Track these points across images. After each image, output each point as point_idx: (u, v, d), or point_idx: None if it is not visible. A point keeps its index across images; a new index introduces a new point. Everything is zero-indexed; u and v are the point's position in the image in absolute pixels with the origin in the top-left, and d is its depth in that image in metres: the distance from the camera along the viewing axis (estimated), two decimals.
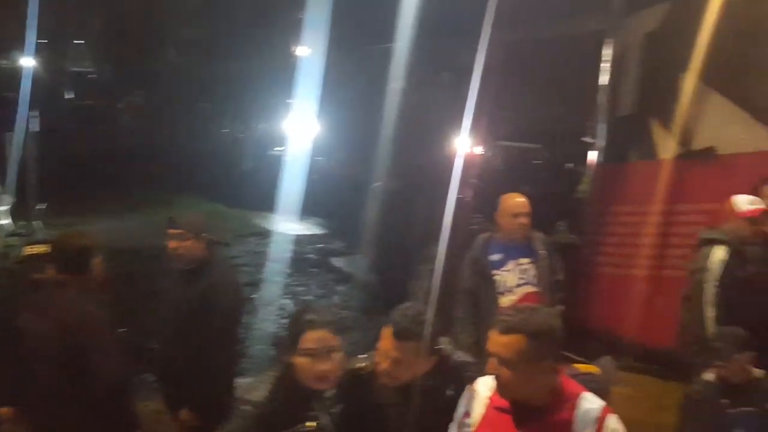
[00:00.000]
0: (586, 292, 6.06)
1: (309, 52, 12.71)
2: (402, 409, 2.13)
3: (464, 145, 9.15)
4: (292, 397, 2.10)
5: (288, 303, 6.89)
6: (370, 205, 5.33)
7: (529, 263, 3.88)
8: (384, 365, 2.12)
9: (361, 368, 2.22)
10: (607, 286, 5.93)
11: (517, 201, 3.88)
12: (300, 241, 9.52)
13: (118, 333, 3.07)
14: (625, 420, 4.68)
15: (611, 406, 2.77)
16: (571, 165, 10.32)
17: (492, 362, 1.90)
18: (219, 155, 13.86)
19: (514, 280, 3.85)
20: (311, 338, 2.07)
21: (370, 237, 5.21)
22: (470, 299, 3.89)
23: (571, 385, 1.98)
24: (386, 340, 2.14)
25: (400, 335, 2.11)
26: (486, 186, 9.31)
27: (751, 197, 3.88)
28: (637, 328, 5.30)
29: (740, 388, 3.17)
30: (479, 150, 10.98)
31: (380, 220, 5.20)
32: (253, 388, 2.29)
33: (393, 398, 2.16)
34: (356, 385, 2.15)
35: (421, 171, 8.49)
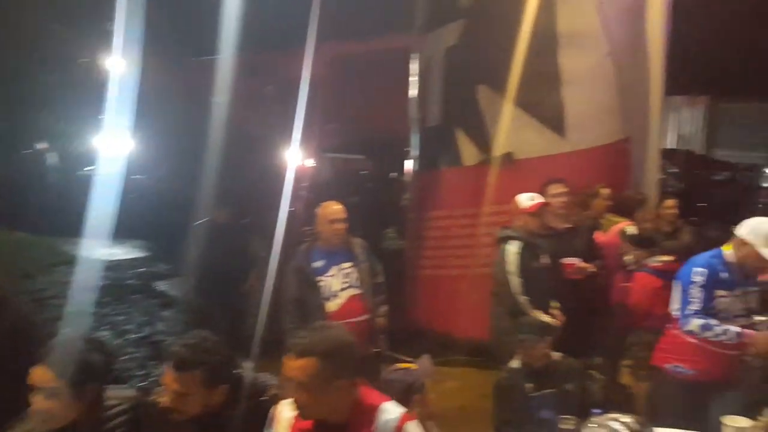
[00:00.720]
0: (414, 294, 6.33)
1: (122, 65, 11.95)
2: None
3: (293, 158, 9.14)
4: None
5: (106, 335, 6.38)
6: (195, 234, 5.06)
7: (350, 267, 4.00)
8: (167, 399, 2.03)
9: (157, 399, 2.10)
10: (431, 287, 6.19)
11: (333, 208, 4.00)
12: (119, 266, 8.84)
13: None
14: (453, 410, 4.94)
15: (434, 400, 2.92)
16: (395, 174, 10.76)
17: (289, 386, 1.91)
18: (21, 179, 12.48)
19: (338, 284, 3.96)
20: (34, 373, 1.97)
21: (196, 258, 4.95)
22: (298, 308, 3.93)
23: (372, 397, 2.02)
24: (167, 372, 2.05)
25: (178, 366, 2.02)
26: (316, 198, 9.38)
27: (531, 194, 4.32)
28: (461, 324, 5.60)
29: (542, 372, 3.45)
30: (308, 163, 11.05)
31: (206, 247, 4.96)
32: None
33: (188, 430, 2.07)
34: (149, 418, 2.04)
35: (250, 189, 8.31)
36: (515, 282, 4.14)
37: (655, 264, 4.33)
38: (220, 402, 2.08)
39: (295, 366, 1.90)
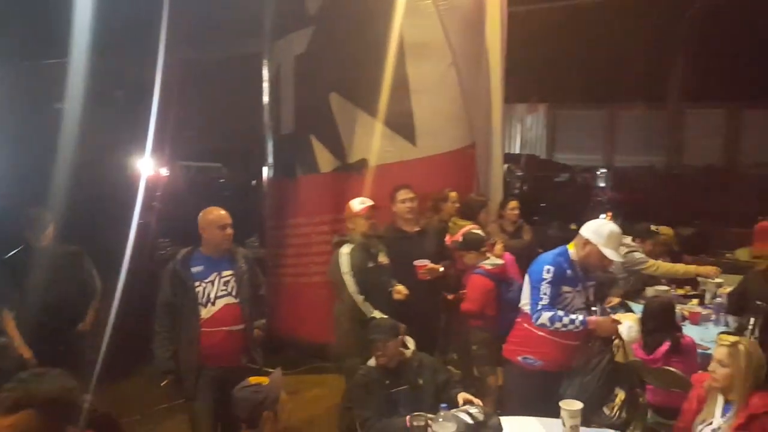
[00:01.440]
0: (276, 303, 6.22)
1: None
2: None
3: (144, 167, 8.68)
4: None
5: None
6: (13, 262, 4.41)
7: (230, 275, 3.90)
8: None
9: None
10: (293, 295, 6.11)
11: (221, 213, 3.91)
12: None
13: None
14: (318, 416, 4.91)
15: (290, 411, 2.89)
16: (254, 182, 10.57)
17: None
18: None
19: (215, 291, 3.85)
20: None
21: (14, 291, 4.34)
22: (168, 312, 3.80)
23: None
24: None
25: (9, 408, 1.78)
26: (170, 209, 8.98)
27: (362, 198, 4.49)
28: (324, 330, 5.59)
29: (396, 369, 3.54)
30: (160, 172, 10.57)
31: (29, 277, 4.33)
32: None
33: None
34: None
35: (96, 203, 7.80)
36: (350, 282, 4.28)
37: (488, 267, 4.58)
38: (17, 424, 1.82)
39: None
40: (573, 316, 3.49)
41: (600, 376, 3.43)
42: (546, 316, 3.47)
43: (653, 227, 5.74)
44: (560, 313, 3.48)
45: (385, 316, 4.02)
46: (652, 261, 5.41)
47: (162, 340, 3.78)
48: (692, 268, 5.43)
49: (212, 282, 3.84)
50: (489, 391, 4.58)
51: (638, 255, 5.38)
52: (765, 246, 5.99)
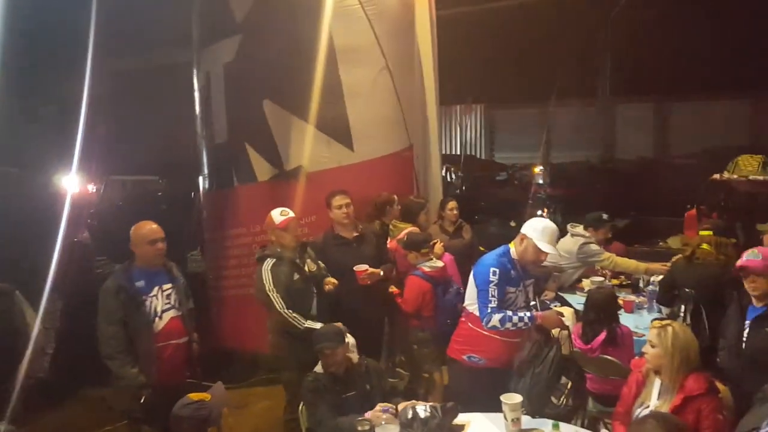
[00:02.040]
0: (220, 316, 6.13)
1: None
2: None
3: (74, 184, 8.35)
4: None
5: None
6: None
7: (170, 288, 3.89)
8: None
9: None
10: (237, 307, 6.01)
11: (152, 228, 3.86)
12: None
13: None
14: (263, 428, 4.84)
15: (234, 425, 2.83)
16: (192, 194, 10.32)
17: None
18: None
19: (161, 305, 3.82)
20: None
21: None
22: (122, 330, 3.68)
23: None
24: None
25: None
26: (104, 225, 8.69)
27: (282, 209, 4.37)
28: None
29: (344, 375, 3.55)
30: (93, 188, 10.22)
31: None
32: None
33: None
34: None
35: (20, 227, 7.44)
36: (275, 298, 4.18)
37: (426, 269, 4.60)
38: None
39: None
40: (521, 314, 3.57)
41: (550, 366, 3.51)
42: (496, 318, 3.53)
43: (604, 216, 5.82)
44: (509, 313, 3.55)
45: (318, 324, 3.99)
46: (607, 254, 5.53)
47: (124, 358, 3.67)
48: (643, 265, 5.49)
49: (156, 296, 3.81)
50: (437, 390, 4.62)
51: (594, 247, 5.51)
52: (694, 233, 6.21)
